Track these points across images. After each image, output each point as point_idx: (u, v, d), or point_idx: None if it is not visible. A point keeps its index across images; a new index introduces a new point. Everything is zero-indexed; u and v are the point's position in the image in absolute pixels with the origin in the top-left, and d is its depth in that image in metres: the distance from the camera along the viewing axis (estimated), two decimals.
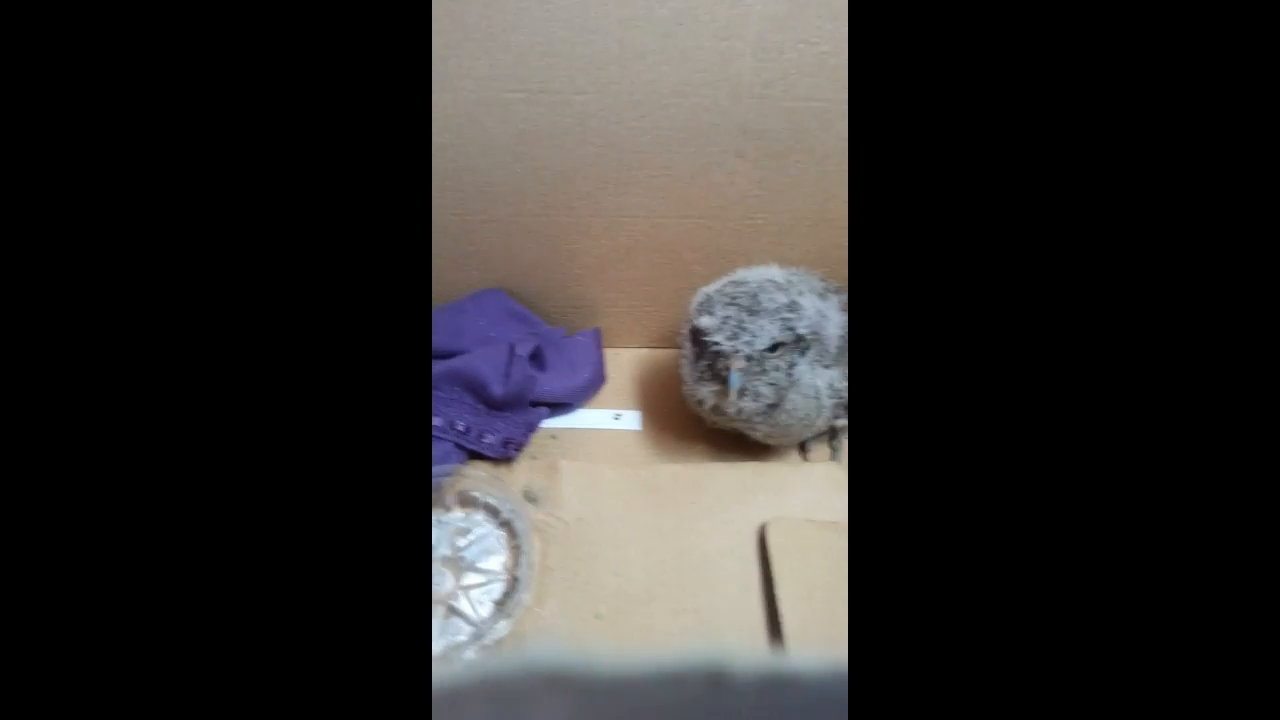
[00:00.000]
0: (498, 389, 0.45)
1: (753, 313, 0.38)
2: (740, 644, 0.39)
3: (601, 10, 0.36)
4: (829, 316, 0.41)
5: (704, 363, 0.40)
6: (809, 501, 0.44)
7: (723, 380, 0.39)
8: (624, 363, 0.54)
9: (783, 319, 0.38)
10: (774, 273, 0.42)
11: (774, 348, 0.38)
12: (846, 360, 0.42)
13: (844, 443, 0.48)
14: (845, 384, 0.43)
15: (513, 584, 0.41)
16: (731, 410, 0.41)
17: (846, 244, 0.46)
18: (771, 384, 0.40)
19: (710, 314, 0.39)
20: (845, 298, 0.44)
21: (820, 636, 0.37)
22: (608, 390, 0.52)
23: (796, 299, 0.39)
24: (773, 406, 0.41)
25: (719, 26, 0.37)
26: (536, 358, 0.49)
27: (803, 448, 0.48)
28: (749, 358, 0.38)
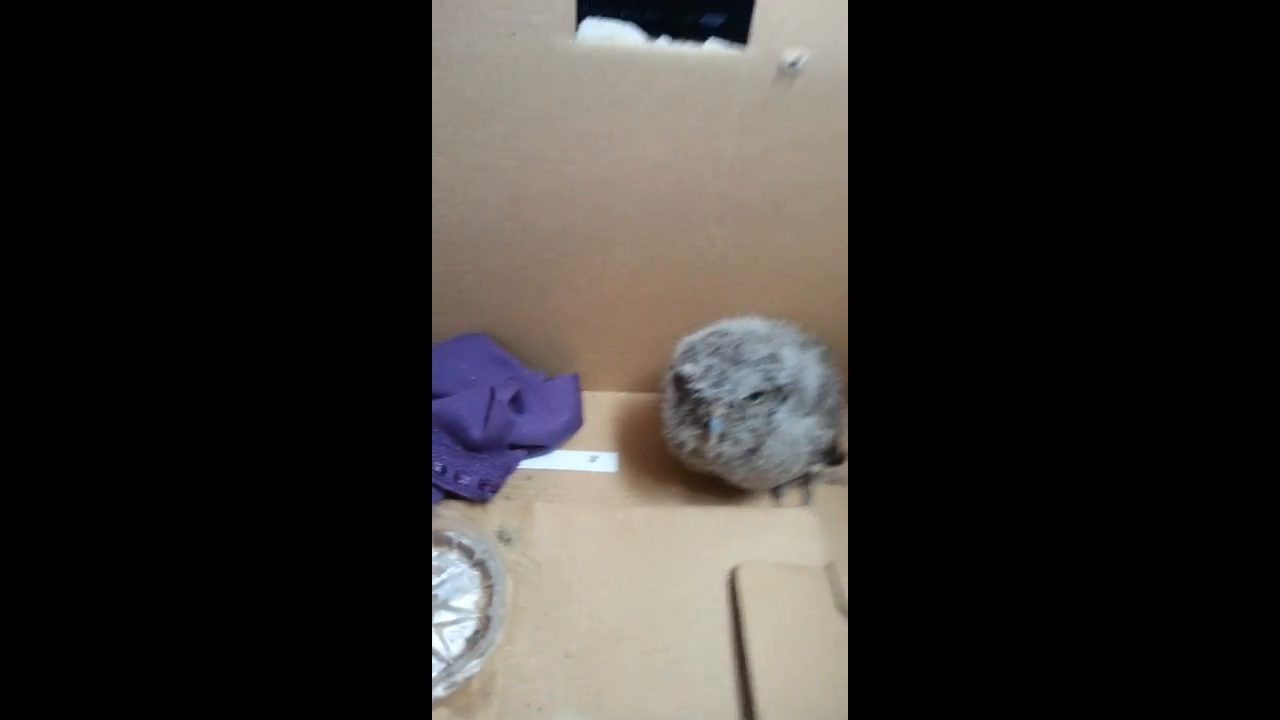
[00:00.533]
0: (476, 432, 0.47)
1: (735, 363, 0.40)
2: (706, 685, 0.40)
3: (595, 92, 0.39)
4: (808, 368, 0.43)
5: (686, 408, 0.42)
6: (780, 546, 0.46)
7: (704, 425, 0.41)
8: (602, 405, 0.56)
9: (764, 370, 0.40)
10: (756, 325, 0.44)
11: (755, 396, 0.40)
12: (823, 409, 0.45)
13: (816, 489, 0.50)
14: (821, 432, 0.45)
15: (485, 623, 0.42)
16: (711, 454, 0.43)
17: (821, 299, 0.50)
18: (751, 430, 0.42)
19: (694, 362, 0.41)
20: (823, 350, 0.47)
21: (787, 678, 0.39)
22: (585, 432, 0.54)
23: (778, 351, 0.42)
24: (751, 452, 0.43)
25: (704, 109, 0.40)
26: (515, 401, 0.50)
27: (776, 492, 0.50)
28: (730, 405, 0.40)
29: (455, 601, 0.43)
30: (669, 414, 0.45)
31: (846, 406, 0.49)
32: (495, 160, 0.42)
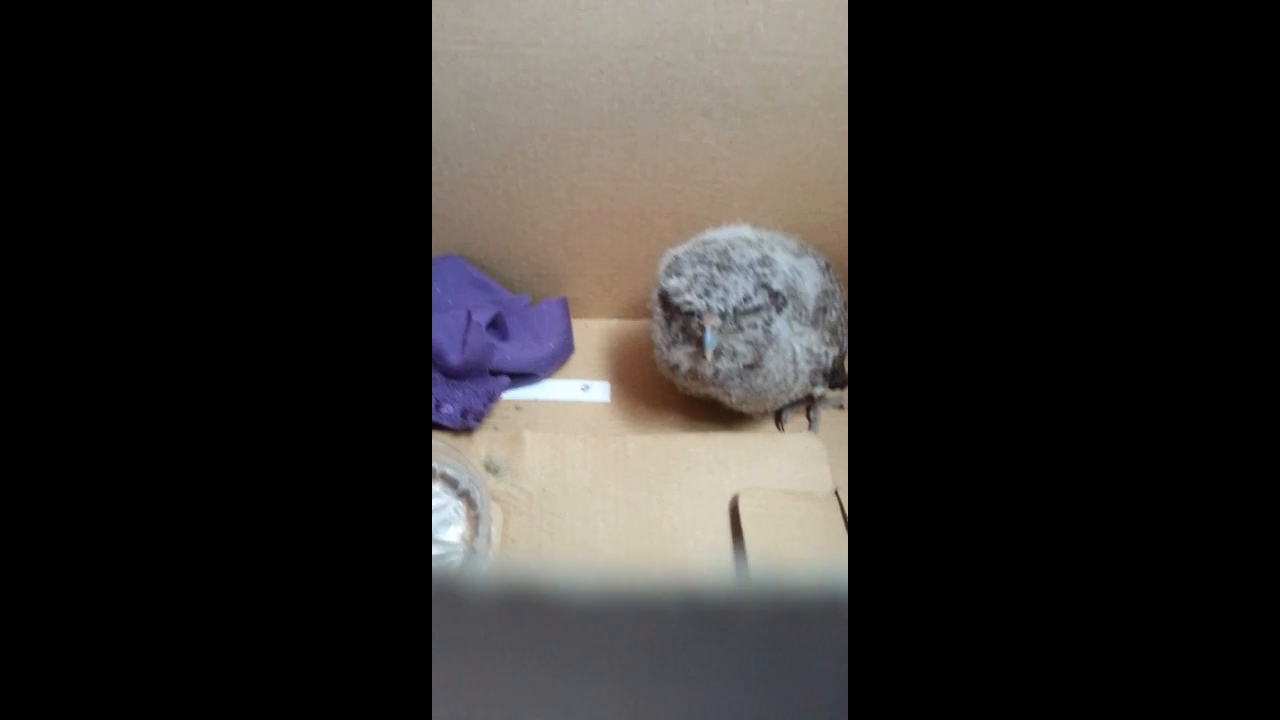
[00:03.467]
0: (454, 357, 0.44)
1: (723, 269, 0.37)
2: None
3: None
4: (804, 274, 0.40)
5: (676, 325, 0.39)
6: (784, 472, 0.44)
7: (698, 341, 0.38)
8: (593, 334, 0.53)
9: (756, 274, 0.37)
10: (745, 231, 0.41)
11: (750, 309, 0.37)
12: (825, 324, 0.41)
13: (820, 413, 0.47)
14: (823, 349, 0.42)
15: (470, 555, 0.40)
16: (708, 372, 0.40)
17: (821, 209, 0.45)
18: (749, 342, 0.38)
19: (679, 275, 0.38)
20: (823, 261, 0.43)
21: None
22: (576, 361, 0.51)
23: (769, 254, 0.38)
24: (750, 367, 0.39)
25: None
26: (497, 326, 0.47)
27: (779, 418, 0.47)
28: (723, 315, 0.37)
29: (441, 534, 0.41)
30: (660, 336, 0.41)
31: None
32: (447, 45, 0.37)
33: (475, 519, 0.41)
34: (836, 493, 0.42)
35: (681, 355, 0.40)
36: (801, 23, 0.37)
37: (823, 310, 0.41)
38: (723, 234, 0.40)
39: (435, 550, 0.40)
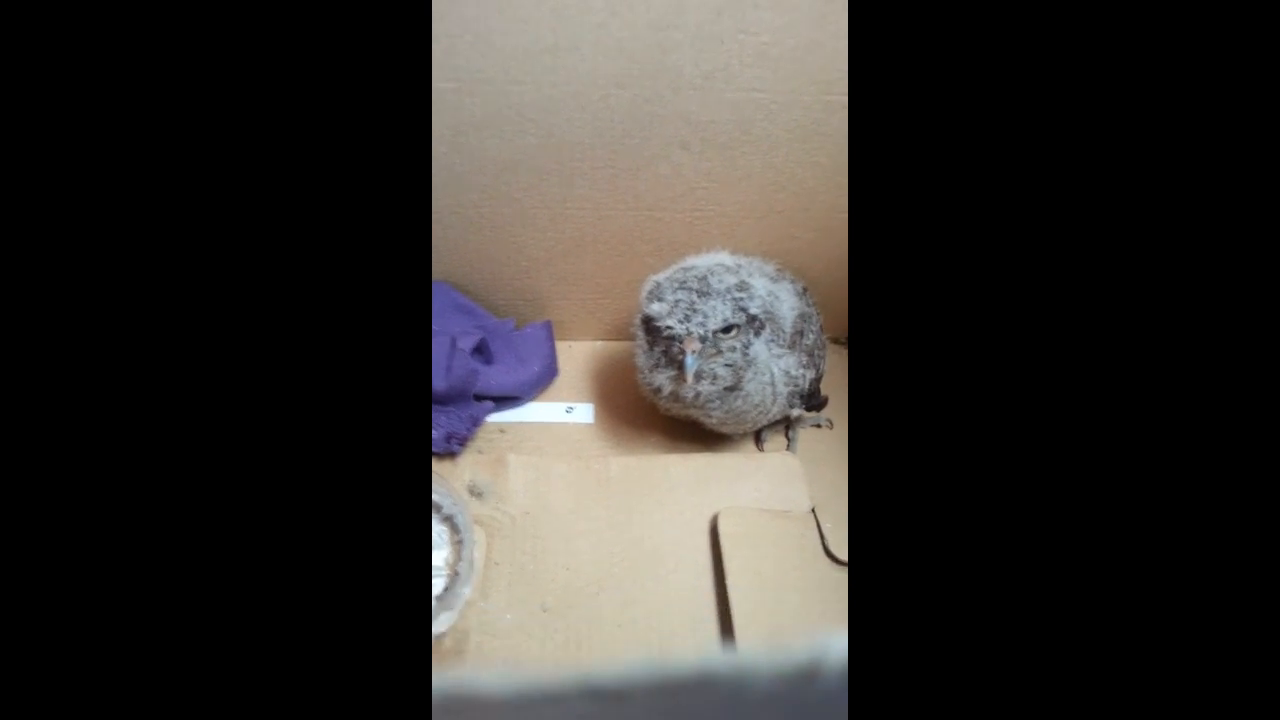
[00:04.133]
0: (439, 383, 0.44)
1: (703, 294, 0.38)
2: (688, 634, 0.39)
3: (531, 1, 0.36)
4: (781, 298, 0.41)
5: (659, 349, 0.40)
6: (763, 491, 0.44)
7: (679, 365, 0.39)
8: (577, 356, 0.54)
9: (734, 299, 0.38)
10: (723, 258, 0.42)
11: (728, 329, 0.38)
12: (802, 347, 0.42)
13: (799, 432, 0.48)
14: (800, 371, 0.43)
15: (454, 578, 0.40)
16: (689, 395, 0.41)
17: (797, 234, 0.47)
18: (728, 365, 0.40)
19: (660, 300, 0.39)
20: (799, 285, 0.44)
21: (771, 625, 0.38)
22: (560, 383, 0.52)
23: (746, 279, 0.40)
24: (730, 389, 0.41)
25: (655, 16, 0.37)
26: (481, 351, 0.48)
27: (758, 438, 0.48)
28: (703, 339, 0.38)
29: None
30: (642, 359, 0.42)
31: (827, 348, 0.47)
32: (433, 82, 0.38)
33: (459, 543, 0.41)
34: (814, 511, 0.43)
35: (663, 378, 0.41)
36: (775, 61, 0.39)
37: (799, 334, 0.42)
38: (702, 260, 0.42)
39: None
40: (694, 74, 0.39)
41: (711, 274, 0.39)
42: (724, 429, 0.45)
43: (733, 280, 0.39)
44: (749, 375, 0.40)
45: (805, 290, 0.45)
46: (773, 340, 0.41)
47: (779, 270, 0.44)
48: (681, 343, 0.38)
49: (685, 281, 0.39)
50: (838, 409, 0.49)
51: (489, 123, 0.41)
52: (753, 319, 0.39)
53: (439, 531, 0.42)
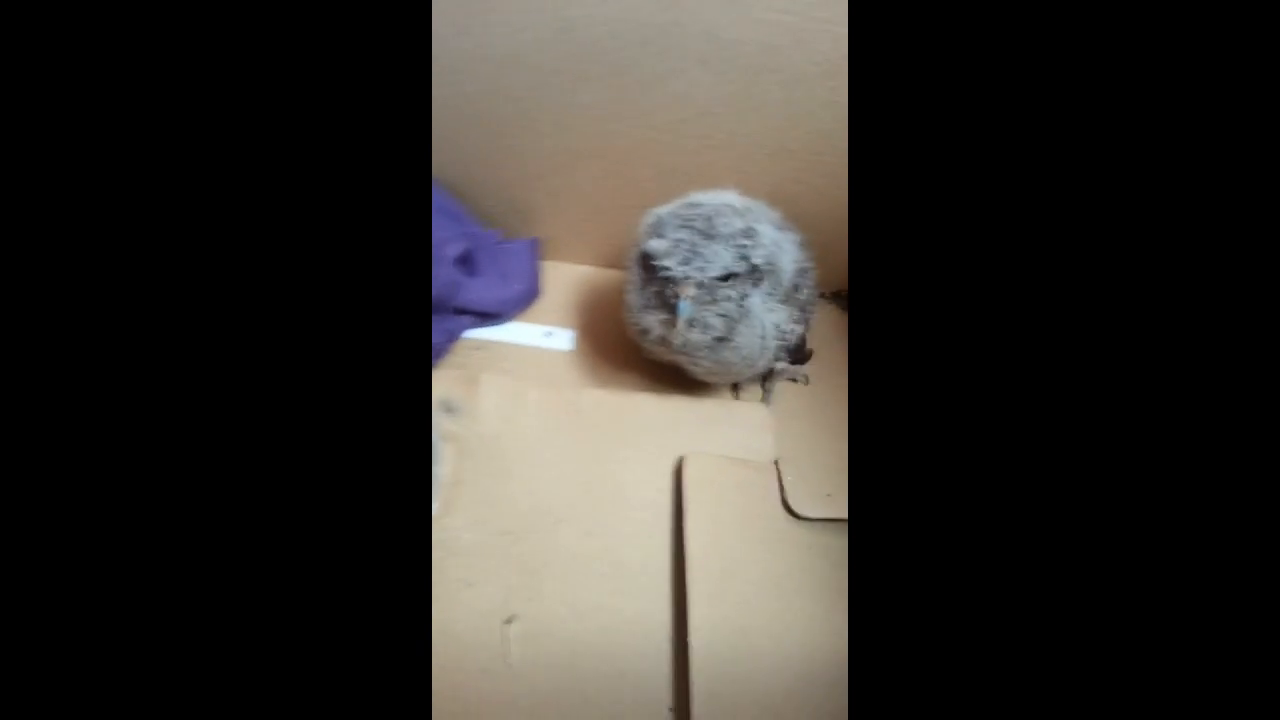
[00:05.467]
0: None
1: (708, 236, 0.36)
2: (640, 571, 0.39)
3: None
4: (785, 250, 0.39)
5: (652, 289, 0.38)
6: (732, 439, 0.44)
7: (671, 308, 0.37)
8: (562, 278, 0.51)
9: (738, 245, 0.36)
10: (731, 198, 0.39)
11: (727, 277, 0.36)
12: (796, 301, 0.41)
13: (775, 385, 0.47)
14: (791, 326, 0.41)
15: None
16: (678, 341, 0.39)
17: (804, 178, 0.44)
18: (722, 315, 0.38)
19: (662, 236, 0.36)
20: (801, 238, 0.42)
21: (722, 570, 0.38)
22: (541, 305, 0.50)
23: (754, 225, 0.37)
24: (720, 340, 0.39)
25: None
26: (466, 261, 0.45)
27: (735, 387, 0.47)
28: (700, 285, 0.36)
29: None
30: (634, 297, 0.40)
31: (817, 303, 0.46)
32: None
33: None
34: (776, 463, 0.43)
35: (653, 320, 0.39)
36: None
37: (795, 288, 0.41)
38: (709, 199, 0.39)
39: None
40: None
41: (718, 215, 0.36)
42: (709, 379, 0.44)
43: (740, 225, 0.36)
44: (741, 328, 0.39)
45: (805, 243, 0.43)
46: (770, 294, 0.39)
47: (783, 220, 0.41)
48: (677, 286, 0.36)
49: (690, 220, 0.36)
50: (821, 365, 0.49)
51: (500, 6, 0.36)
52: (754, 269, 0.37)
53: None
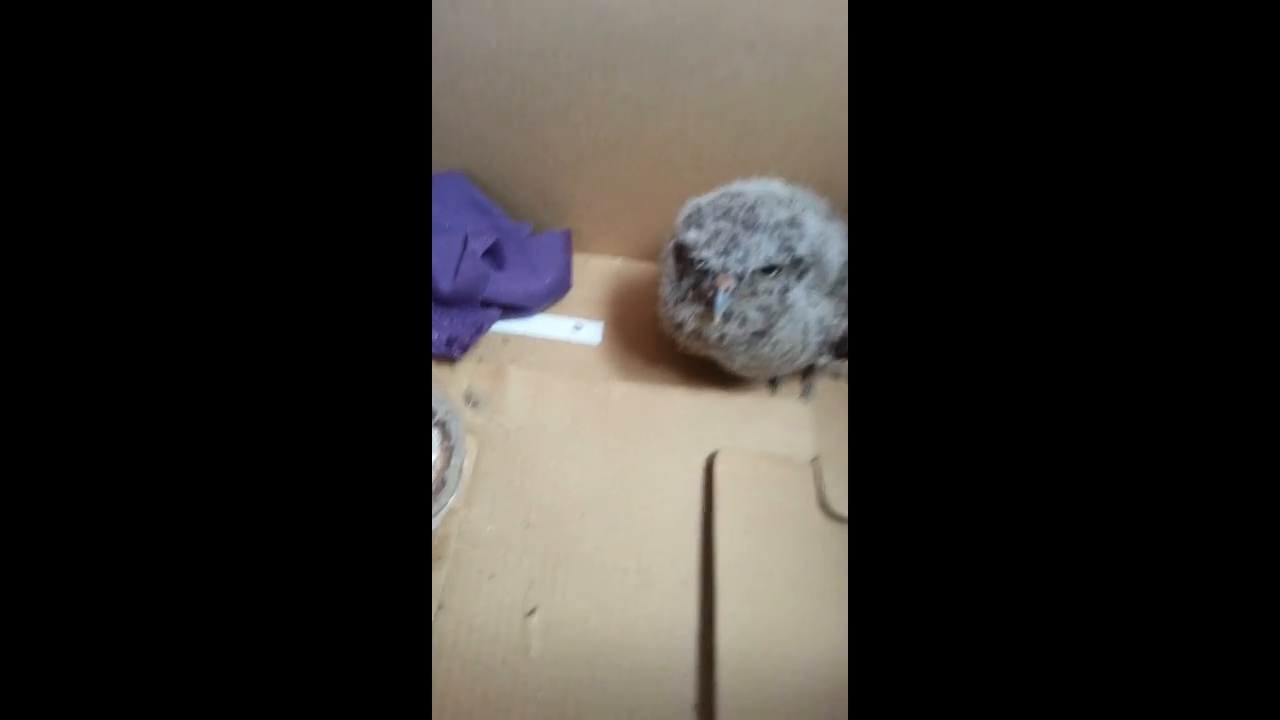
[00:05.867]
0: (446, 284, 0.42)
1: (749, 227, 0.34)
2: (666, 568, 0.38)
3: None
4: (831, 240, 0.37)
5: (688, 281, 0.37)
6: (768, 436, 0.43)
7: (708, 301, 0.35)
8: (593, 270, 0.51)
9: (782, 236, 0.34)
10: (776, 187, 0.37)
11: (770, 269, 0.35)
12: (840, 294, 0.39)
13: (817, 381, 0.46)
14: (835, 320, 0.39)
15: (440, 485, 0.39)
16: (713, 335, 0.38)
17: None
18: (761, 309, 0.36)
19: (699, 227, 0.35)
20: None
21: (753, 570, 0.37)
22: (571, 298, 0.49)
23: (799, 215, 0.35)
24: (758, 335, 0.37)
25: None
26: (494, 254, 0.45)
27: (773, 382, 0.46)
28: (739, 277, 0.34)
29: None
30: (668, 289, 0.39)
31: None
32: None
33: (449, 450, 0.40)
34: (814, 461, 0.42)
35: (688, 314, 0.38)
36: None
37: (841, 281, 0.39)
38: (752, 187, 0.37)
39: None
40: None
41: (760, 204, 0.35)
42: (745, 373, 0.43)
43: (784, 215, 0.35)
44: (781, 322, 0.37)
45: None
46: (814, 287, 0.37)
47: (831, 208, 0.39)
48: (715, 278, 0.35)
49: (730, 209, 0.35)
50: None
51: None
52: (798, 261, 0.35)
53: (431, 436, 0.41)
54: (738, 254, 0.34)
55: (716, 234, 0.34)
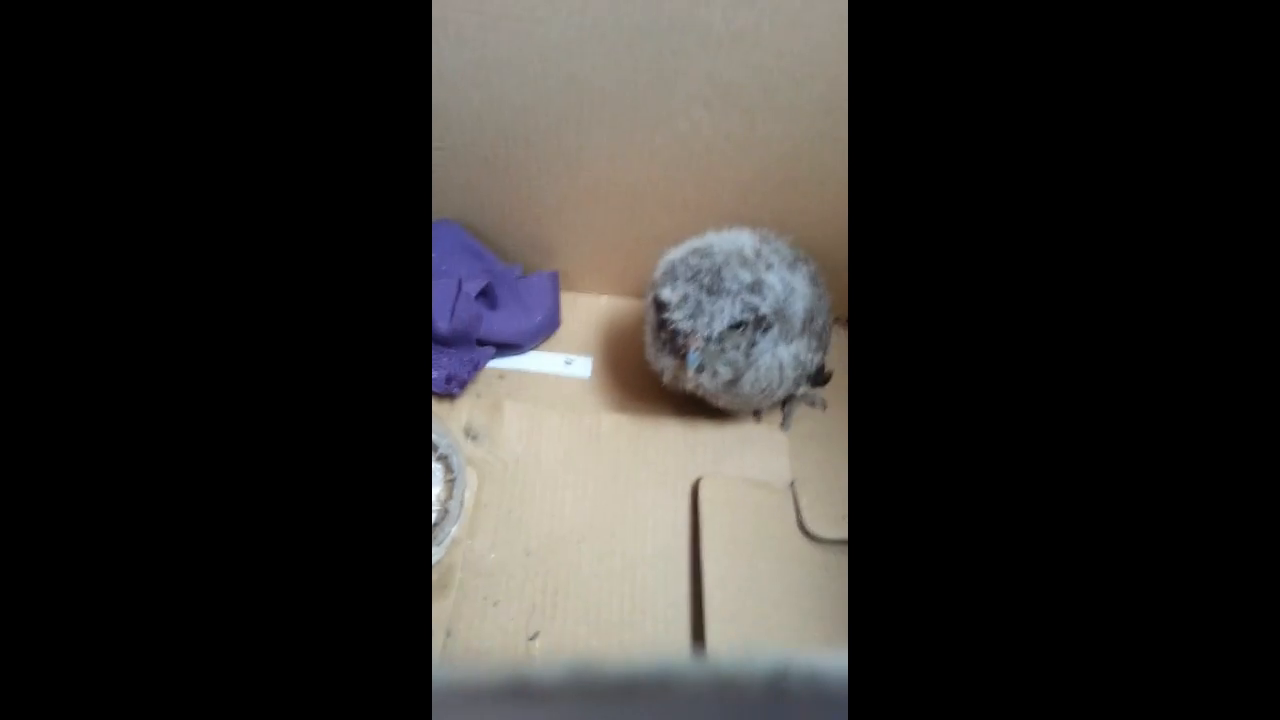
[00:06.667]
0: (443, 325, 0.45)
1: (712, 293, 0.37)
2: (660, 590, 0.40)
3: None
4: (796, 290, 0.40)
5: (664, 335, 0.40)
6: (749, 462, 0.45)
7: (681, 356, 0.39)
8: (581, 308, 0.54)
9: (744, 300, 0.37)
10: (744, 241, 0.40)
11: (737, 325, 0.38)
12: (811, 331, 0.42)
13: (795, 411, 0.48)
14: (810, 355, 0.43)
15: (443, 515, 0.41)
16: (690, 386, 0.41)
17: (811, 208, 0.46)
18: (729, 364, 0.39)
19: (673, 286, 0.38)
20: (814, 267, 0.43)
21: (738, 589, 0.39)
22: (561, 335, 0.52)
23: (762, 276, 0.38)
24: (731, 383, 0.41)
25: None
26: (487, 295, 0.48)
27: (757, 413, 0.48)
28: (708, 339, 0.38)
29: None
30: (649, 336, 0.42)
31: (833, 327, 0.47)
32: (456, 14, 0.37)
33: (451, 482, 0.43)
34: (792, 485, 0.44)
35: (666, 362, 0.41)
36: (807, 26, 0.37)
37: (810, 319, 0.41)
38: (721, 242, 0.40)
39: None
40: (724, 31, 0.37)
41: (726, 266, 0.38)
42: (729, 408, 0.46)
43: (747, 278, 0.38)
44: (749, 375, 0.40)
45: (817, 272, 0.44)
46: (780, 339, 0.40)
47: (795, 251, 0.42)
48: (686, 337, 0.38)
49: (698, 272, 0.38)
50: (837, 390, 0.50)
51: (511, 61, 0.39)
52: (761, 319, 0.38)
53: (433, 469, 0.43)
54: (704, 318, 0.37)
55: (685, 298, 0.38)
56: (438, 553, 0.40)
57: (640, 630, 0.39)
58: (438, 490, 0.43)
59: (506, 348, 0.49)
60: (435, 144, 0.44)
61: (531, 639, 0.38)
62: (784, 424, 0.48)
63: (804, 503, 0.43)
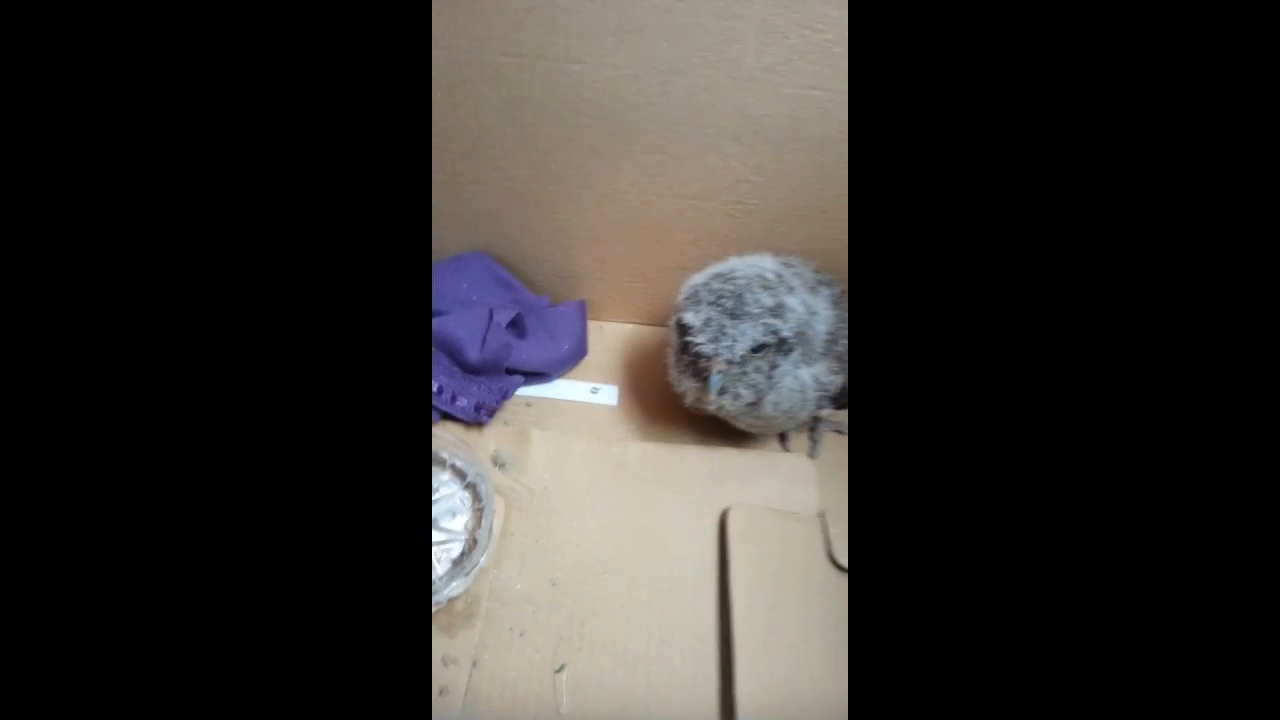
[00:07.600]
0: (474, 355, 0.45)
1: (734, 316, 0.38)
2: (687, 621, 0.40)
3: None
4: (817, 312, 0.40)
5: (686, 358, 0.40)
6: (776, 491, 0.45)
7: (704, 379, 0.39)
8: (607, 336, 0.54)
9: (765, 324, 0.38)
10: (766, 265, 0.41)
11: (757, 348, 0.38)
12: (833, 354, 0.42)
13: (821, 437, 0.48)
14: (832, 377, 0.43)
15: (472, 545, 0.41)
16: (712, 408, 0.41)
17: (838, 235, 0.46)
18: (751, 386, 0.40)
19: (695, 310, 0.39)
20: (837, 290, 0.44)
21: (768, 621, 0.38)
22: (588, 363, 0.52)
23: (784, 299, 0.38)
24: (752, 405, 0.41)
25: (720, 5, 0.36)
26: (516, 325, 0.49)
27: (783, 437, 0.48)
28: (730, 362, 0.38)
29: (445, 522, 0.43)
30: (672, 359, 0.43)
31: None
32: (494, 56, 0.38)
33: (479, 511, 0.43)
34: (821, 515, 0.43)
35: (689, 385, 0.42)
36: (836, 59, 0.38)
37: (832, 341, 0.42)
38: (743, 266, 0.40)
39: (438, 537, 0.42)
40: (754, 66, 0.38)
41: (748, 290, 0.38)
42: (753, 431, 0.45)
43: (768, 302, 0.38)
44: (771, 396, 0.41)
45: (842, 294, 0.44)
46: (801, 361, 0.40)
47: (818, 274, 0.43)
48: (708, 360, 0.38)
49: (721, 296, 0.38)
50: None
51: (545, 99, 0.40)
52: (783, 342, 0.39)
53: (462, 498, 0.44)
54: (725, 342, 0.38)
55: (708, 321, 0.38)
56: (465, 583, 0.40)
57: (667, 663, 0.38)
58: (466, 519, 0.43)
59: (534, 376, 0.50)
60: (469, 177, 0.45)
61: (558, 671, 0.38)
62: (812, 452, 0.47)
63: (833, 533, 0.42)
